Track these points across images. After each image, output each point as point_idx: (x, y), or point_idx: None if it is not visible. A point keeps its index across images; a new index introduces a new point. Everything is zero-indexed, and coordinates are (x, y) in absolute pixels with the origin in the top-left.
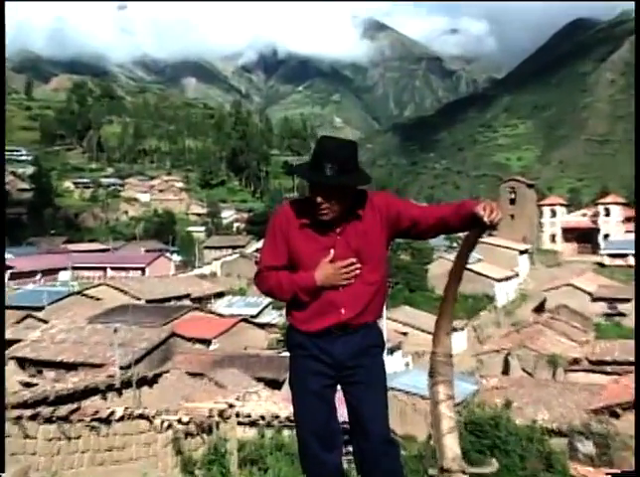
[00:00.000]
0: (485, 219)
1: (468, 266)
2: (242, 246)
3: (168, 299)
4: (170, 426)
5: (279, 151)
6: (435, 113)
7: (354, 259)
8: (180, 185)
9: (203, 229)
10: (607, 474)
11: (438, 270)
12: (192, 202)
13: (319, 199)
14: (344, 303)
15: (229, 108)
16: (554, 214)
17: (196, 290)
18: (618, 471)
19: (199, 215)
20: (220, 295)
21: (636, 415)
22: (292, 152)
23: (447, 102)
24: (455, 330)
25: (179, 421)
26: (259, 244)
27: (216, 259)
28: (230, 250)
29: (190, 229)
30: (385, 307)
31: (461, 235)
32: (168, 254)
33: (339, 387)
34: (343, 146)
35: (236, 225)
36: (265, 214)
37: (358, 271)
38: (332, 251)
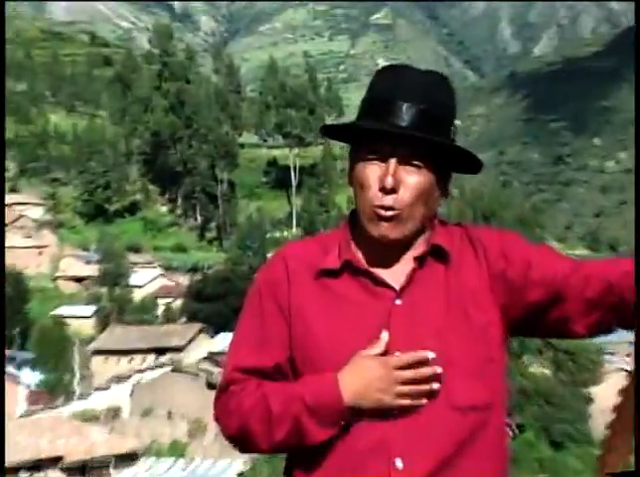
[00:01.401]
0: None
1: None
2: (178, 350)
3: (13, 471)
4: None
5: (258, 136)
6: (599, 53)
7: (431, 354)
8: (37, 214)
9: (90, 312)
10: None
11: (614, 396)
12: (64, 252)
13: (392, 163)
14: (401, 448)
15: (146, 44)
16: None
17: (75, 449)
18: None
19: (80, 280)
20: (128, 459)
21: (636, 415)
22: (286, 139)
23: (619, 32)
24: None
25: None
26: (216, 344)
27: (120, 379)
28: (151, 359)
29: (60, 312)
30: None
31: None
32: (12, 370)
33: None
34: (434, 80)
35: (162, 302)
36: (228, 277)
37: (437, 385)
38: (385, 334)
